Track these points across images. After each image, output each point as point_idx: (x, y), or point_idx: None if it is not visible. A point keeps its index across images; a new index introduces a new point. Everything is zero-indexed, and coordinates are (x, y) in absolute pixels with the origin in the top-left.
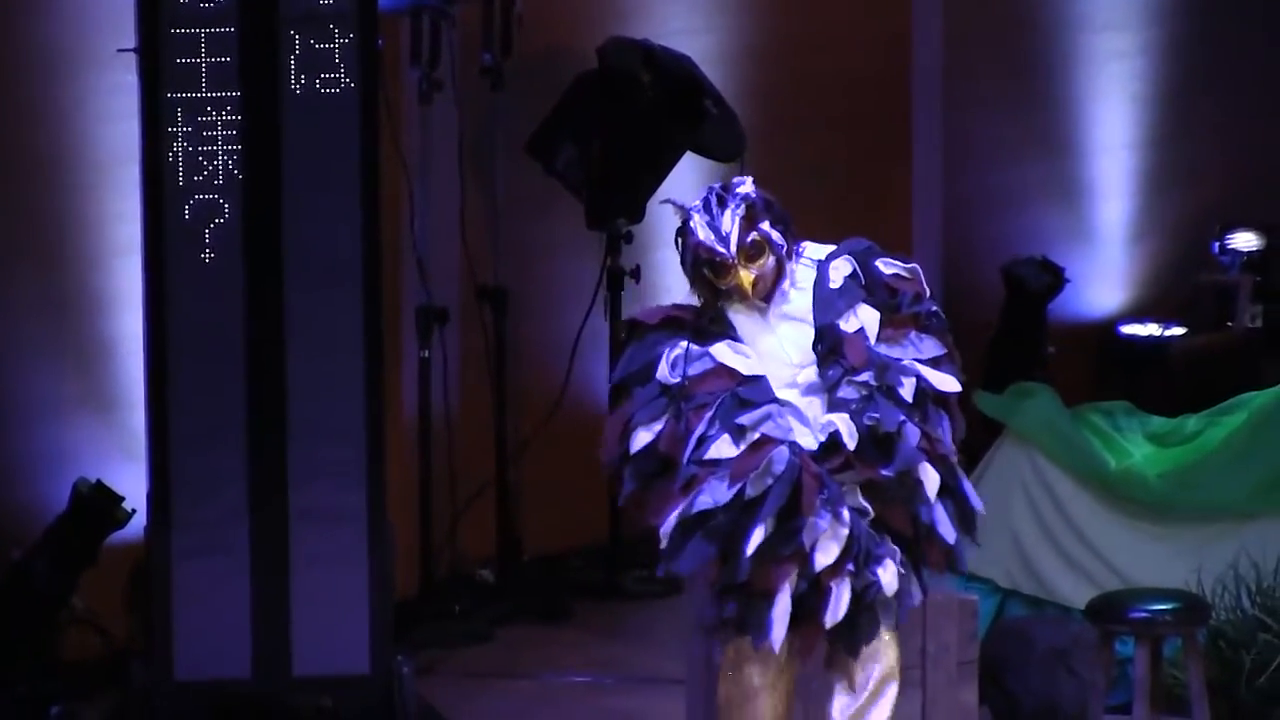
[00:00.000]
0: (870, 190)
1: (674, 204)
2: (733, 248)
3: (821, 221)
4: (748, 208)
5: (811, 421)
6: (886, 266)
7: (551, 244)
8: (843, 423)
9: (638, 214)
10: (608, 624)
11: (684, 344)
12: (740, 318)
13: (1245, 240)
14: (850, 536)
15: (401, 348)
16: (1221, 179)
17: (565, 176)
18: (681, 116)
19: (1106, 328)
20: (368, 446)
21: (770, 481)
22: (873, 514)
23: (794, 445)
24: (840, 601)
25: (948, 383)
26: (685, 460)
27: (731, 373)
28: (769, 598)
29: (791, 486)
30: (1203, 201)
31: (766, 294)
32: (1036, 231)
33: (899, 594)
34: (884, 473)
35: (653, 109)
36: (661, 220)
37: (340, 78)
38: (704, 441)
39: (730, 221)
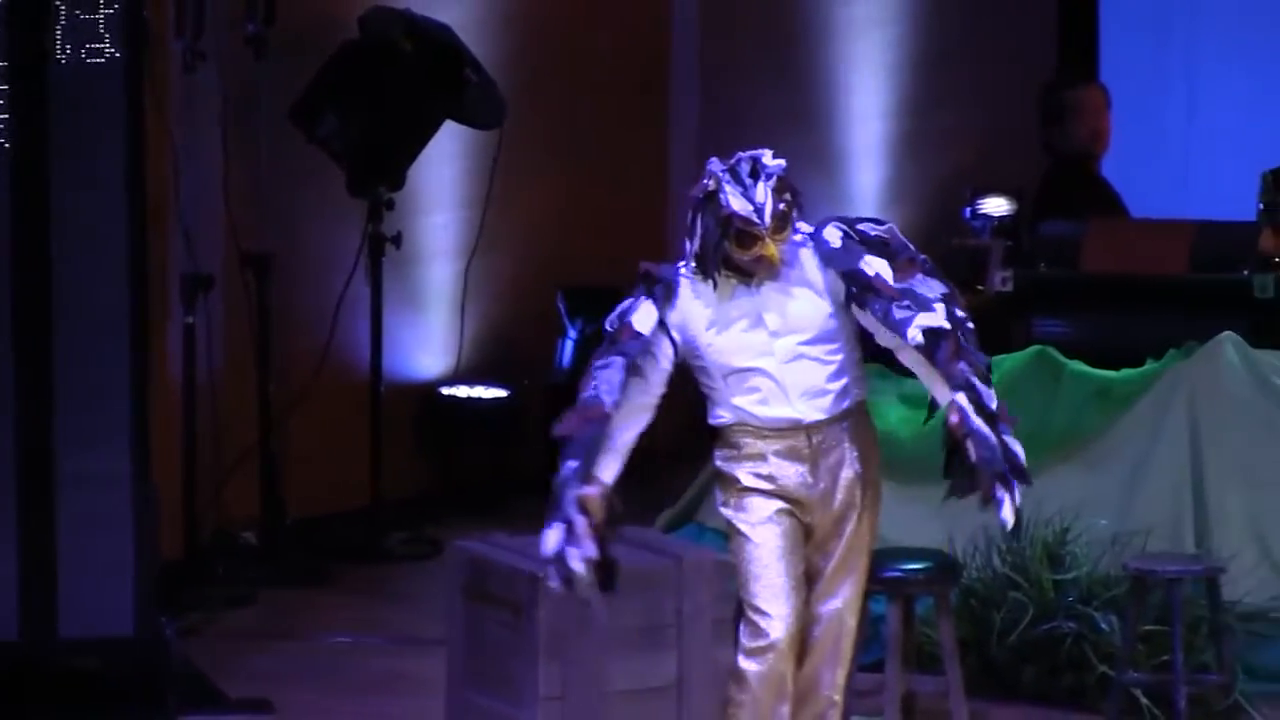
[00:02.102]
0: (628, 159)
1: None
2: (768, 218)
3: (578, 189)
4: (779, 180)
5: (789, 389)
6: (869, 229)
7: (314, 211)
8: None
9: (399, 181)
10: (369, 586)
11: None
12: (725, 286)
13: (996, 205)
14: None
15: (167, 314)
16: (973, 146)
17: (328, 144)
18: (442, 85)
19: None
20: (133, 411)
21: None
22: None
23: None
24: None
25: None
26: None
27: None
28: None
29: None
30: (955, 168)
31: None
32: None
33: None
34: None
35: (414, 78)
36: (422, 187)
37: (106, 48)
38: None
39: (764, 193)
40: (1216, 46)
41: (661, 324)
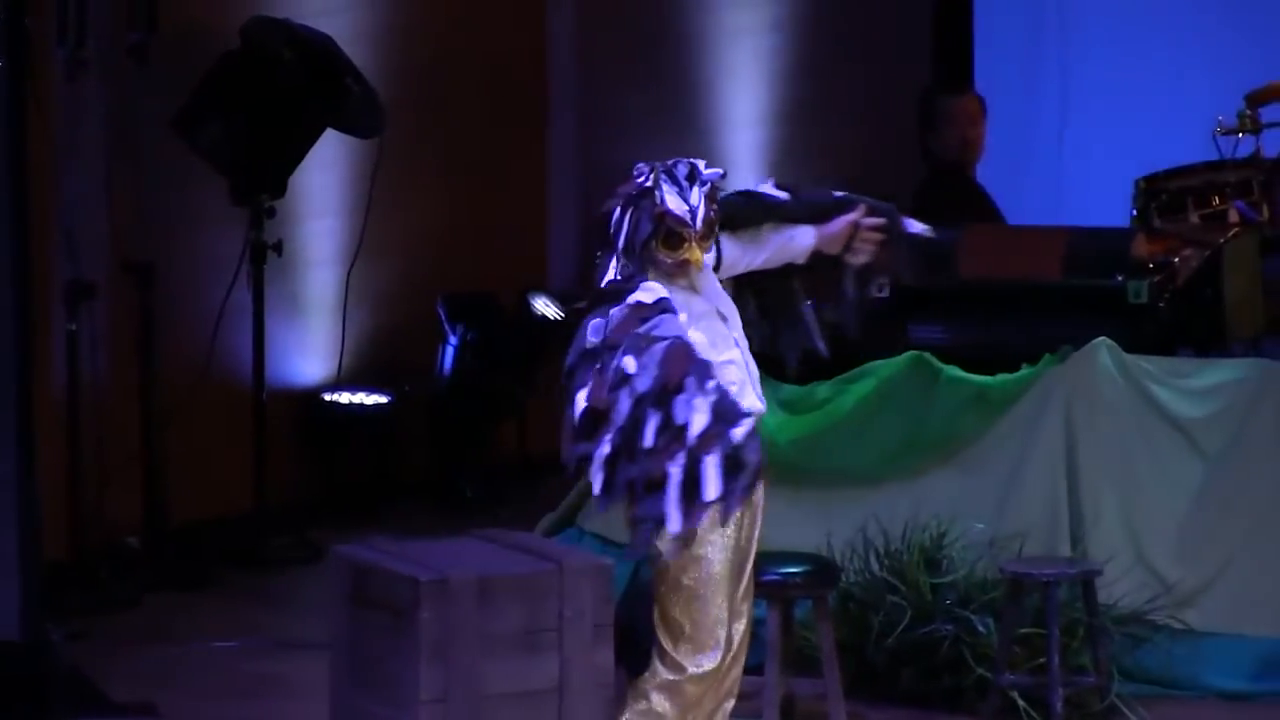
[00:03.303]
0: (508, 166)
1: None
2: (699, 223)
3: (458, 196)
4: (711, 189)
5: (754, 378)
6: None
7: (197, 219)
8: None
9: (280, 189)
10: (252, 590)
11: (608, 309)
12: (674, 290)
13: None
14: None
15: (50, 321)
16: (850, 153)
17: (210, 152)
18: (323, 94)
19: None
20: (17, 417)
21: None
22: None
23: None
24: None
25: None
26: (607, 390)
27: (639, 306)
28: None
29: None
30: (831, 174)
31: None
32: None
33: None
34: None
35: (295, 87)
36: (303, 195)
37: None
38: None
39: (698, 197)
40: (1089, 54)
41: None
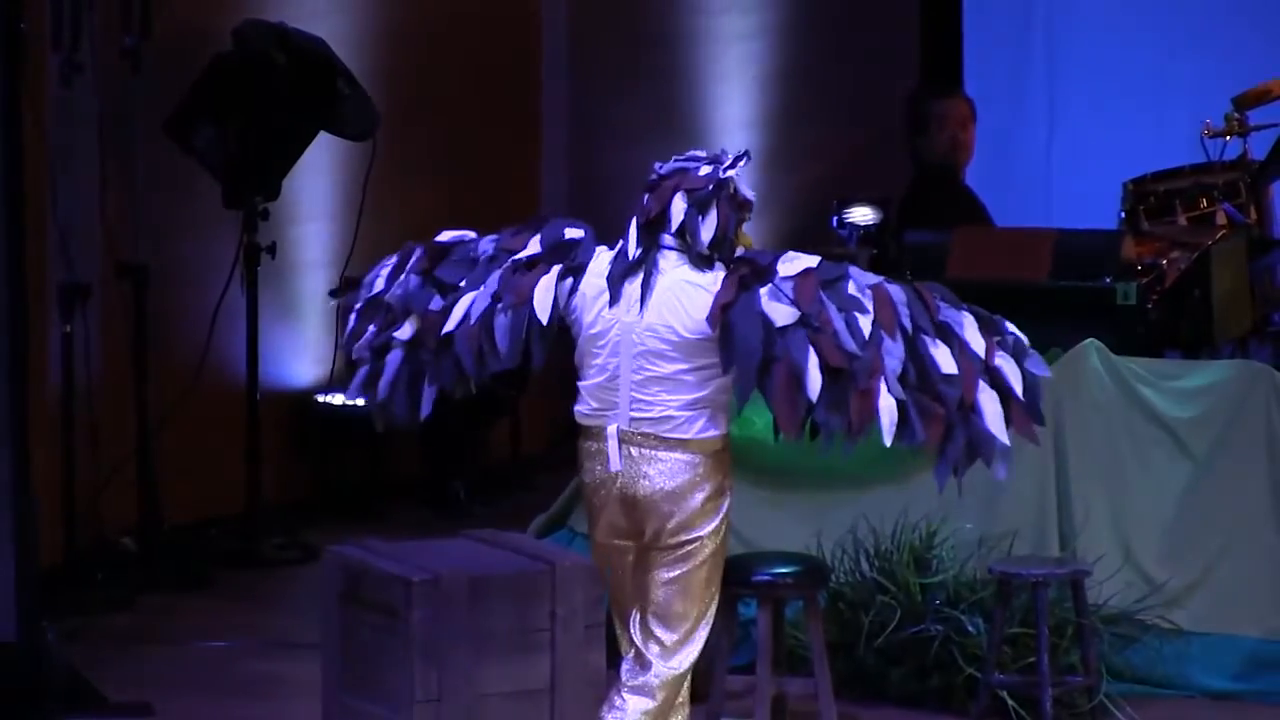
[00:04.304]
0: (500, 168)
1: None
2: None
3: (451, 198)
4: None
5: None
6: None
7: (190, 221)
8: None
9: (274, 192)
10: (245, 590)
11: (767, 286)
12: None
13: (862, 215)
14: (971, 312)
15: (45, 323)
16: (839, 156)
17: (203, 156)
18: (316, 97)
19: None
20: (12, 419)
21: (908, 310)
22: None
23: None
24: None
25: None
26: (854, 353)
27: (808, 272)
28: (975, 405)
29: (919, 298)
30: (821, 178)
31: None
32: None
33: None
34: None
35: (288, 90)
36: (297, 198)
37: None
38: (851, 327)
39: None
40: (1078, 56)
41: None
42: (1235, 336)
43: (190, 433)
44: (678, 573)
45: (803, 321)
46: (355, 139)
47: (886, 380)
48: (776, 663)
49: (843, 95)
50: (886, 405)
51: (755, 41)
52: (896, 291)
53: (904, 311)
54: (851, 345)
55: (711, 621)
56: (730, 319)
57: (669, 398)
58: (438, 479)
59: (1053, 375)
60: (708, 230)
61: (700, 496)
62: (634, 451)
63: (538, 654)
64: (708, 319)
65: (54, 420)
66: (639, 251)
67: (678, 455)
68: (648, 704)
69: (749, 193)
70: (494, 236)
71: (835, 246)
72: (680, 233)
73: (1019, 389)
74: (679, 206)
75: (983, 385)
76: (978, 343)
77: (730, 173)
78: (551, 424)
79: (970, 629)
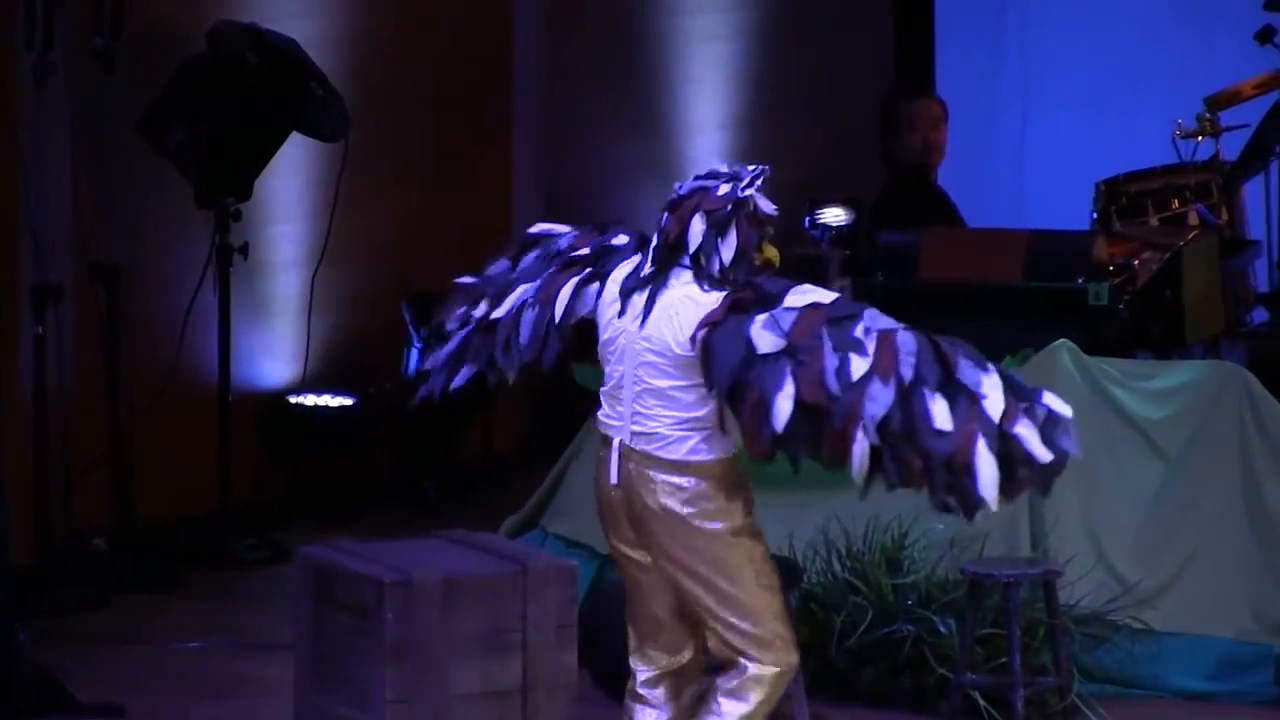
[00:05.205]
0: (473, 168)
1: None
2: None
3: (423, 198)
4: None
5: None
6: None
7: (163, 222)
8: None
9: (246, 192)
10: (218, 590)
11: (765, 314)
12: None
13: (834, 215)
14: (1000, 375)
15: (17, 323)
16: (811, 157)
17: (176, 156)
18: (288, 98)
19: None
20: None
21: (914, 360)
22: None
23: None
24: (1033, 440)
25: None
26: (834, 394)
27: (815, 307)
28: (969, 466)
29: (933, 352)
30: (793, 179)
31: None
32: (635, 209)
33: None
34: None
35: (260, 90)
36: (269, 198)
37: None
38: (841, 368)
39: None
40: (1050, 58)
41: None
42: (1207, 337)
43: (162, 433)
44: (704, 580)
45: (788, 353)
46: (328, 139)
47: (864, 425)
48: None
49: (815, 96)
50: (859, 449)
51: (729, 42)
52: (907, 340)
53: (907, 360)
54: (834, 385)
55: (784, 615)
56: (712, 339)
57: (664, 414)
58: (410, 479)
59: (1025, 375)
60: (728, 250)
61: (696, 518)
62: (631, 469)
63: (510, 655)
64: (691, 336)
65: (26, 421)
66: (651, 270)
67: (669, 477)
68: (742, 708)
69: (769, 208)
70: (573, 233)
71: (807, 247)
72: (696, 257)
73: (1039, 459)
74: (697, 228)
75: (981, 449)
76: (997, 406)
77: (748, 191)
78: (523, 425)
79: (942, 629)
